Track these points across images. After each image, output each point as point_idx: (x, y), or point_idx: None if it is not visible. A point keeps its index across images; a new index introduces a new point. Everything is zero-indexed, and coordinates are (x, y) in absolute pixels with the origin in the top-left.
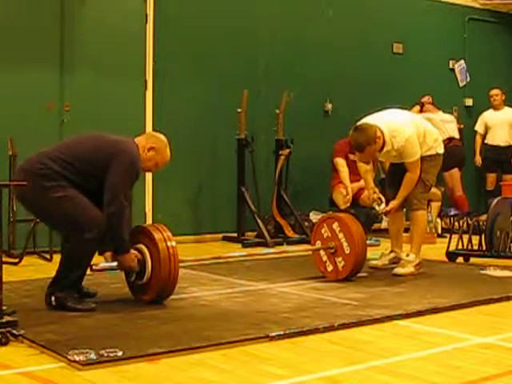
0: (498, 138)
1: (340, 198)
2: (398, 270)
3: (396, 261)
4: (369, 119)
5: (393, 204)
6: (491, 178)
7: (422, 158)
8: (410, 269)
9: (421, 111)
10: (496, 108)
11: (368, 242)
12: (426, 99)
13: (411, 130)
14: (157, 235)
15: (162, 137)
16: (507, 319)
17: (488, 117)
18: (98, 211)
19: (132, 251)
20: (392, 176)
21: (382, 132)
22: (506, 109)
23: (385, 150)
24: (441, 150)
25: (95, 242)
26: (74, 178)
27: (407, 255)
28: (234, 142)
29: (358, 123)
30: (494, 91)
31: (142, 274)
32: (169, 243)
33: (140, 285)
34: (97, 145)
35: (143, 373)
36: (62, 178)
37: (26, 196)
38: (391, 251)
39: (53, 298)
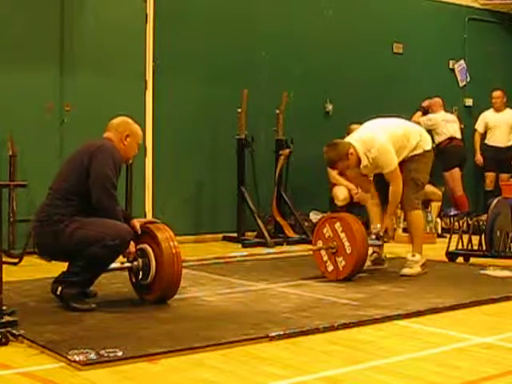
0: (496, 139)
1: (340, 193)
2: (406, 271)
3: (379, 262)
4: (349, 137)
5: (385, 223)
6: (490, 177)
7: (410, 158)
8: (417, 269)
9: (424, 114)
10: (497, 109)
11: (370, 242)
12: (426, 103)
13: (382, 138)
14: (160, 235)
15: (124, 118)
16: (507, 319)
17: (489, 117)
18: (120, 224)
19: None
20: (376, 184)
21: (354, 148)
22: (507, 110)
23: (362, 165)
24: (428, 147)
25: (118, 249)
26: (80, 207)
27: (413, 255)
28: (233, 141)
29: (334, 140)
30: (496, 93)
31: (146, 273)
32: (172, 243)
33: (145, 285)
34: (73, 163)
35: (143, 373)
36: (69, 215)
37: (49, 246)
38: (373, 252)
39: (59, 289)
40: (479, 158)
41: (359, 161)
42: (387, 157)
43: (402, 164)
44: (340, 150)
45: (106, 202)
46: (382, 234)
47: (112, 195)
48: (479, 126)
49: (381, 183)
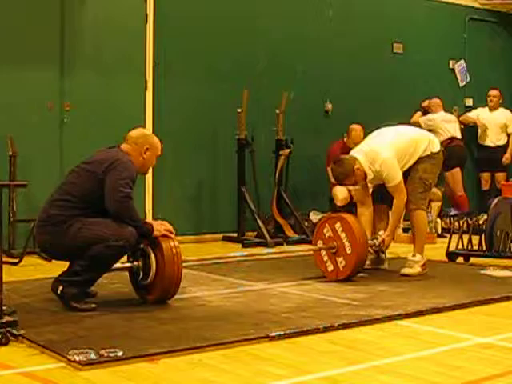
0: (488, 139)
1: (340, 193)
2: (406, 271)
3: (378, 262)
4: (354, 150)
5: (385, 236)
6: (485, 177)
7: (418, 160)
8: (417, 269)
9: (423, 114)
10: (492, 108)
11: (370, 242)
12: (425, 103)
13: (386, 152)
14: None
15: (143, 130)
16: (507, 319)
17: (483, 116)
18: (124, 225)
19: (153, 222)
20: (379, 190)
21: (360, 164)
22: (501, 110)
23: (368, 179)
24: (435, 149)
25: (121, 250)
26: (86, 213)
27: (413, 255)
28: (233, 141)
29: (340, 156)
30: (493, 92)
31: (146, 273)
32: (172, 243)
33: (145, 285)
34: (87, 171)
35: (143, 373)
36: (73, 217)
37: (51, 246)
38: (373, 251)
39: (60, 288)
40: (479, 121)
41: (365, 175)
42: (391, 171)
43: (409, 167)
44: (346, 167)
45: (121, 213)
46: (380, 247)
47: (126, 205)
48: (471, 113)
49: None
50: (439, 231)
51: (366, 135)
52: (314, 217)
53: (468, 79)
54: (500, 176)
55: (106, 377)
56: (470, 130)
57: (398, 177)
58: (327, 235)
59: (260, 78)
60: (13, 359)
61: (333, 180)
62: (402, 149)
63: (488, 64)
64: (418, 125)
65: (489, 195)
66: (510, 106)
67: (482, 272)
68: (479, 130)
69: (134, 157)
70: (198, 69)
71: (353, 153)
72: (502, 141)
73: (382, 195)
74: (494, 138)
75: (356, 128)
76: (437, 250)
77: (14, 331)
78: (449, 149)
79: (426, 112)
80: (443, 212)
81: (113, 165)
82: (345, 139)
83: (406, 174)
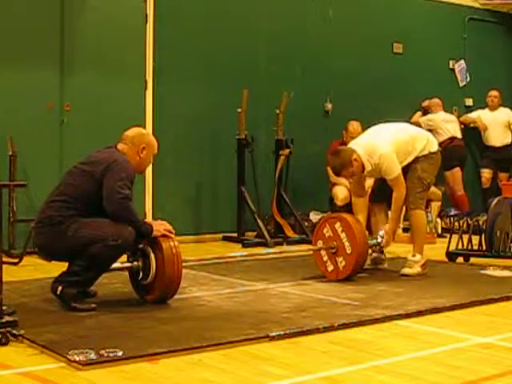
0: (493, 139)
1: (340, 192)
2: (406, 271)
3: (379, 261)
4: (352, 143)
5: (387, 231)
6: (486, 173)
7: (415, 160)
8: (417, 269)
9: (424, 114)
10: (492, 109)
11: (370, 241)
12: (425, 104)
13: (386, 147)
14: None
15: (139, 129)
16: (507, 319)
17: (484, 116)
18: (122, 224)
19: (153, 222)
20: (378, 189)
21: (358, 155)
22: (501, 109)
23: (366, 170)
24: (433, 149)
25: (120, 249)
26: (84, 213)
27: (413, 255)
28: (234, 141)
29: (337, 148)
30: (493, 92)
31: (146, 273)
32: (172, 243)
33: (145, 285)
34: (84, 172)
35: (143, 373)
36: (71, 217)
37: (49, 247)
38: (373, 251)
39: (59, 288)
40: (479, 121)
41: (363, 166)
42: (389, 165)
43: (408, 166)
44: (344, 158)
45: (120, 214)
46: (382, 244)
47: (125, 206)
48: (472, 114)
49: (383, 189)
50: (439, 231)
51: None
52: (314, 217)
53: (468, 79)
54: (503, 176)
55: (105, 377)
56: (471, 130)
57: (397, 169)
58: (327, 235)
59: (260, 77)
60: (13, 359)
61: (332, 179)
62: (401, 145)
63: (488, 64)
64: (418, 125)
65: (489, 194)
66: (510, 106)
67: (482, 272)
68: (482, 131)
69: (131, 156)
70: (197, 69)
71: (351, 145)
72: (508, 139)
73: (380, 193)
74: (499, 138)
75: (353, 123)
76: (437, 250)
77: (14, 331)
78: (449, 149)
79: (425, 112)
80: (443, 212)
81: (110, 166)
82: (344, 138)
83: (404, 174)
